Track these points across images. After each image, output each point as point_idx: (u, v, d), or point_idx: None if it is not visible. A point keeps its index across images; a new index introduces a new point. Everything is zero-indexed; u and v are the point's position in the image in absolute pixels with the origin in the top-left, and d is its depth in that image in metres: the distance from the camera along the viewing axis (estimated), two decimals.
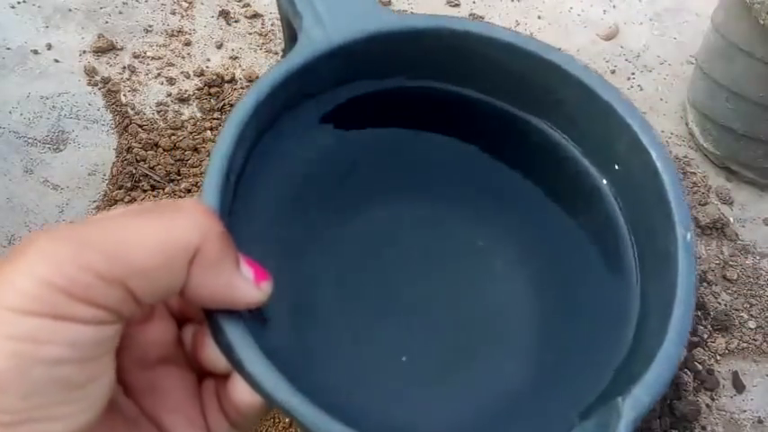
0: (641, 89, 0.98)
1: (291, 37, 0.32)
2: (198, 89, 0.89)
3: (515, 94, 0.33)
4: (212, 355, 0.25)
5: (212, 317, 0.24)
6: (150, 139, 0.83)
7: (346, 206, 0.33)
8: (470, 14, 1.03)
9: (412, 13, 1.04)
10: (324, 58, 0.28)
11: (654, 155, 0.29)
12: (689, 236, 0.28)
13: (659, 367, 0.24)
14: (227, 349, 0.23)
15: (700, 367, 0.72)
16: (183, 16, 0.98)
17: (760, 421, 0.70)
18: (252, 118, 0.26)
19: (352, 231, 0.33)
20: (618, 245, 0.31)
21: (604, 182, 0.32)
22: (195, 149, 0.83)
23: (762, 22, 0.75)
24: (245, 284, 0.23)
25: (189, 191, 0.79)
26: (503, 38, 0.30)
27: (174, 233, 0.21)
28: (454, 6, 1.05)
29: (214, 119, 0.87)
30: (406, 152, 0.34)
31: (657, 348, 0.25)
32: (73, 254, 0.20)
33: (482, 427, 0.29)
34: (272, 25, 0.99)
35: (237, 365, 0.23)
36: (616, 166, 0.31)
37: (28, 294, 0.19)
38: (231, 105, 0.88)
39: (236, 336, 0.23)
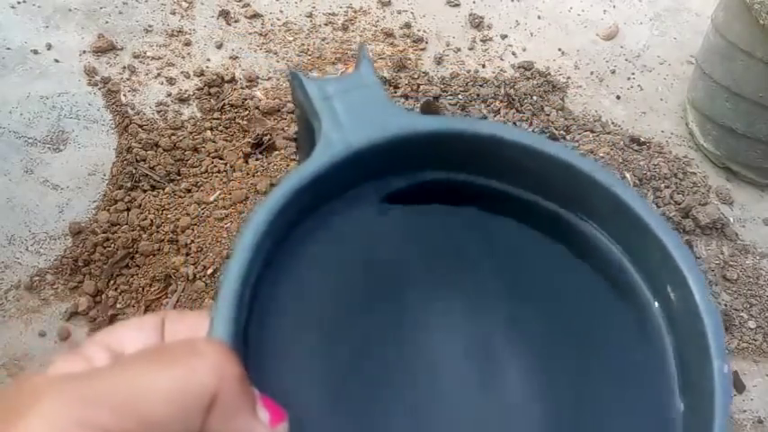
0: (641, 89, 0.98)
1: (305, 126, 0.32)
2: (198, 89, 0.89)
3: (546, 191, 0.32)
4: None
5: None
6: (150, 139, 0.83)
7: (373, 304, 0.33)
8: (470, 14, 1.03)
9: (411, 14, 1.05)
10: (343, 163, 0.28)
11: (693, 287, 0.28)
12: (725, 368, 0.27)
13: None
14: None
15: None
16: (182, 16, 0.98)
17: (760, 421, 0.70)
18: (270, 225, 0.25)
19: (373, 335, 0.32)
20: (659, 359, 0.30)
21: (656, 304, 0.31)
22: (195, 149, 0.83)
23: (762, 22, 0.75)
24: (262, 430, 0.22)
25: (189, 191, 0.79)
26: (526, 142, 0.30)
27: (190, 380, 0.20)
28: (454, 6, 1.05)
29: (214, 119, 0.87)
30: (435, 244, 0.34)
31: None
32: (77, 413, 0.18)
33: None
34: (271, 25, 0.99)
35: None
36: (669, 292, 0.30)
37: None
38: (231, 105, 0.88)
39: None
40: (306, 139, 0.33)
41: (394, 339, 0.33)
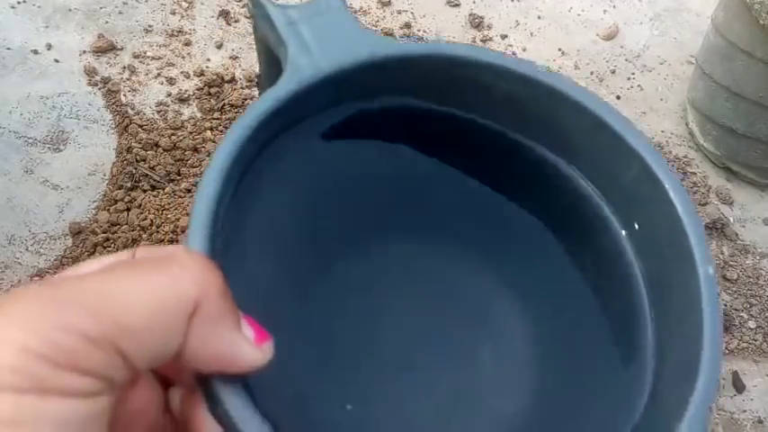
0: (641, 89, 0.98)
1: (269, 62, 0.31)
2: (198, 89, 0.89)
3: (521, 122, 0.31)
4: (207, 427, 0.22)
5: (209, 385, 0.21)
6: (150, 139, 0.83)
7: (343, 242, 0.32)
8: (470, 14, 1.03)
9: (411, 13, 1.04)
10: (313, 88, 0.27)
11: (668, 186, 0.26)
12: (710, 270, 0.26)
13: (704, 390, 0.23)
14: (225, 420, 0.21)
15: None
16: (182, 16, 0.98)
17: (760, 421, 0.70)
18: (239, 152, 0.24)
19: (344, 275, 0.31)
20: (628, 290, 0.30)
21: (623, 233, 0.30)
22: (195, 149, 0.83)
23: (762, 22, 0.75)
24: (248, 346, 0.21)
25: (189, 191, 0.79)
26: (501, 64, 0.29)
27: (171, 287, 0.19)
28: (454, 6, 1.05)
29: (214, 119, 0.87)
30: (407, 179, 0.33)
31: (689, 393, 0.23)
32: (54, 314, 0.17)
33: None
34: None
35: None
36: (635, 225, 0.29)
37: (5, 368, 0.16)
38: (231, 105, 0.88)
39: (236, 406, 0.21)
40: (270, 76, 0.32)
41: (361, 281, 0.32)
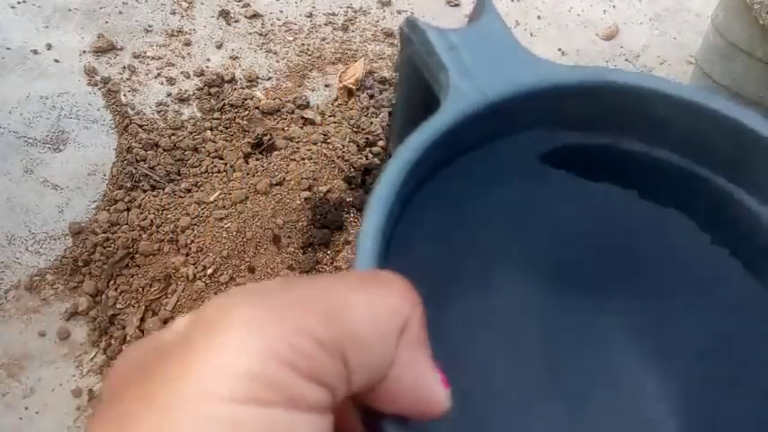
0: None
1: (413, 90, 0.29)
2: (198, 89, 0.89)
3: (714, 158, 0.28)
4: None
5: (381, 427, 0.19)
6: (150, 139, 0.83)
7: (495, 278, 0.30)
8: (470, 14, 1.03)
9: (412, 13, 1.05)
10: (478, 115, 0.25)
11: None
12: None
13: None
14: None
15: None
16: (182, 16, 0.98)
17: None
18: (406, 178, 0.23)
19: (500, 310, 0.29)
20: None
21: None
22: (195, 149, 0.83)
23: (761, 22, 0.75)
24: (439, 386, 0.19)
25: (189, 191, 0.79)
26: (687, 96, 0.26)
27: (387, 300, 0.18)
28: (454, 6, 1.05)
29: (214, 119, 0.87)
30: (572, 224, 0.30)
31: None
32: (287, 317, 0.15)
33: None
34: (271, 25, 0.99)
35: None
36: None
37: (247, 374, 0.14)
38: (231, 105, 0.88)
39: None
40: (411, 105, 0.31)
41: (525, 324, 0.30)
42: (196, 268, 0.71)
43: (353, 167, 0.81)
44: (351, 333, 0.16)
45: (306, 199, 0.77)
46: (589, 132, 0.29)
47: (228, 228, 0.74)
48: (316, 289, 0.17)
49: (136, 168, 0.80)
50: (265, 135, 0.84)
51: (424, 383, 0.18)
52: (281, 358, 0.15)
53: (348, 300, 0.17)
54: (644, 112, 0.27)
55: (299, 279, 0.17)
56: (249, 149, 0.83)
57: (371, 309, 0.17)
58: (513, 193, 0.29)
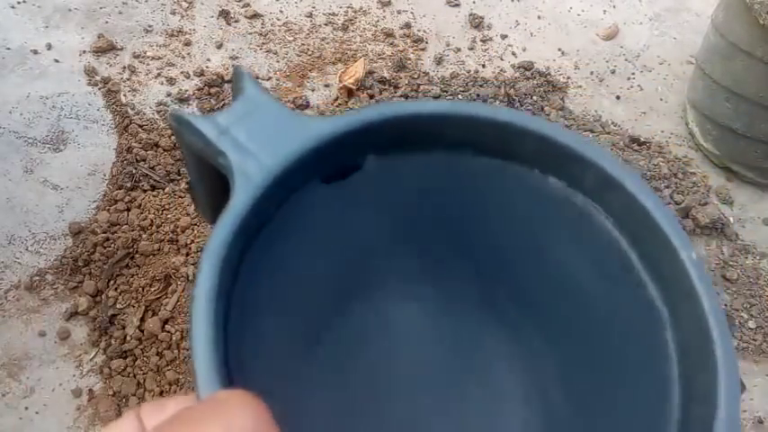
0: (641, 89, 0.98)
1: (200, 171, 0.31)
2: (198, 89, 0.89)
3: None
4: None
5: None
6: (150, 139, 0.83)
7: (348, 298, 0.33)
8: (470, 14, 1.03)
9: (411, 14, 1.04)
10: (269, 189, 0.27)
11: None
12: (694, 255, 0.26)
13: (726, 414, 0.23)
14: None
15: None
16: (182, 16, 0.98)
17: (760, 421, 0.70)
18: (219, 279, 0.25)
19: (355, 327, 0.32)
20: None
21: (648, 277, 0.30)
22: None
23: (762, 22, 0.75)
24: None
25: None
26: (494, 117, 0.29)
27: (232, 426, 0.19)
28: (454, 6, 1.05)
29: None
30: (402, 223, 0.33)
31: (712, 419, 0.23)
32: None
33: None
34: (271, 25, 0.99)
35: None
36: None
37: None
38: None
39: None
40: (204, 186, 0.32)
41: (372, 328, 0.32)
42: (196, 268, 0.71)
43: None
44: None
45: None
46: (381, 157, 0.31)
47: None
48: None
49: (136, 168, 0.80)
50: None
51: None
52: None
53: None
54: (415, 135, 0.30)
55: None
56: None
57: None
58: (329, 231, 0.31)
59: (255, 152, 0.27)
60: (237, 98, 0.29)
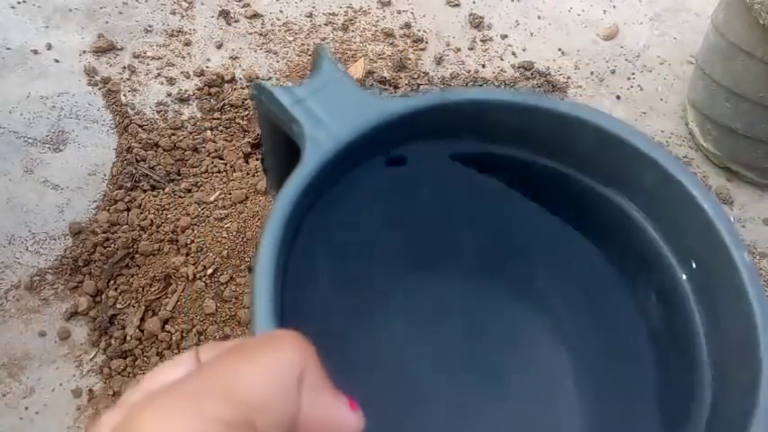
0: (641, 89, 0.98)
1: (275, 139, 0.33)
2: (198, 89, 0.89)
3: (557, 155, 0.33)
4: None
5: None
6: (150, 139, 0.83)
7: (396, 283, 0.34)
8: (470, 14, 1.03)
9: (412, 14, 1.04)
10: (337, 157, 0.29)
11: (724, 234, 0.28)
12: (746, 256, 0.28)
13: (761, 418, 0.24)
14: None
15: None
16: (182, 16, 0.98)
17: None
18: (283, 234, 0.26)
19: (398, 312, 0.33)
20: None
21: (683, 276, 0.31)
22: (195, 149, 0.83)
23: (762, 22, 0.75)
24: (347, 411, 0.22)
25: (189, 191, 0.79)
26: (520, 102, 0.31)
27: (281, 359, 0.20)
28: (454, 6, 1.05)
29: (214, 119, 0.87)
30: (437, 220, 0.35)
31: (752, 407, 0.24)
32: (193, 410, 0.18)
33: None
34: (271, 25, 0.99)
35: None
36: (693, 263, 0.30)
37: None
38: (231, 105, 0.88)
39: None
40: (280, 156, 0.34)
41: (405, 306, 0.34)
42: (196, 268, 0.71)
43: None
44: (252, 404, 0.19)
45: None
46: (442, 142, 0.33)
47: (229, 228, 0.74)
48: (214, 371, 0.19)
49: (136, 168, 0.80)
50: None
51: (332, 416, 0.21)
52: None
53: (245, 373, 0.19)
54: (482, 119, 0.31)
55: (204, 366, 0.20)
56: (249, 149, 0.83)
57: (267, 374, 0.20)
58: (386, 204, 0.33)
59: (327, 122, 0.29)
60: (314, 73, 0.31)
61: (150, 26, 0.95)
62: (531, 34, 1.02)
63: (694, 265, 0.30)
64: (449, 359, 0.33)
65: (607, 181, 0.32)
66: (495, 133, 0.32)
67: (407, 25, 1.02)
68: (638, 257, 0.31)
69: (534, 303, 0.34)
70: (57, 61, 0.90)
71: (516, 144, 0.32)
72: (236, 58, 0.94)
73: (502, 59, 0.99)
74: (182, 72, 0.91)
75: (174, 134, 0.84)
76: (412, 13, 1.04)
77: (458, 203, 0.34)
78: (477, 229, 0.34)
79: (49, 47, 0.91)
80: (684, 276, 0.30)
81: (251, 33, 0.97)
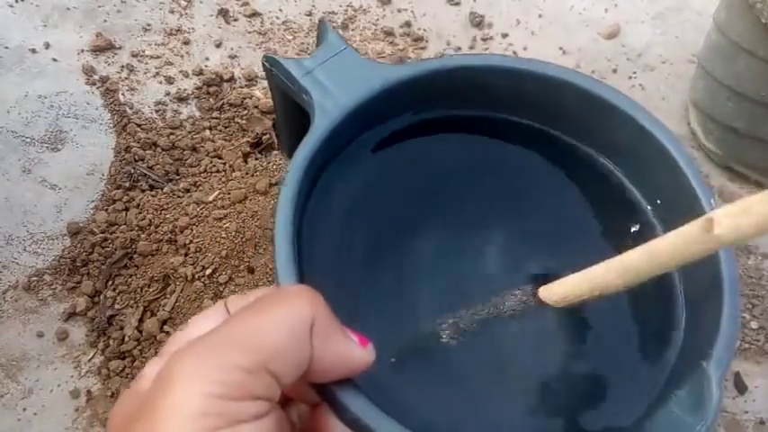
0: (643, 88, 0.97)
1: (287, 108, 0.35)
2: (197, 88, 0.89)
3: (543, 116, 0.36)
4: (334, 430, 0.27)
5: (333, 395, 0.25)
6: (149, 139, 0.82)
7: (400, 235, 0.36)
8: (471, 13, 1.03)
9: (412, 12, 1.04)
10: (343, 124, 0.31)
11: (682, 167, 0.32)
12: (713, 202, 0.33)
13: (727, 327, 0.27)
14: (355, 424, 0.25)
15: None
16: (181, 15, 0.97)
17: (762, 422, 0.70)
18: (299, 193, 0.29)
19: (403, 263, 0.36)
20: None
21: (656, 222, 0.36)
22: (194, 149, 0.83)
23: (763, 21, 0.74)
24: (357, 348, 0.25)
25: (187, 190, 0.79)
26: (510, 66, 0.33)
27: (293, 311, 0.23)
28: (455, 5, 1.05)
29: (213, 118, 0.86)
30: (441, 177, 0.37)
31: (718, 316, 0.28)
32: (216, 360, 0.21)
33: (574, 405, 0.31)
34: (270, 24, 0.99)
35: None
36: (657, 200, 0.34)
37: (197, 414, 0.20)
38: (230, 104, 0.87)
39: (364, 409, 0.25)
40: (289, 122, 0.37)
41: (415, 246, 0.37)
42: (195, 268, 0.71)
43: None
44: (269, 351, 0.22)
45: None
46: (444, 109, 0.36)
47: (227, 228, 0.74)
48: (235, 326, 0.22)
49: (134, 168, 0.79)
50: (265, 134, 0.83)
51: (343, 353, 0.25)
52: (217, 394, 0.20)
53: (261, 324, 0.22)
54: (480, 85, 0.34)
55: (224, 323, 0.23)
56: (248, 149, 0.83)
57: (279, 325, 0.23)
58: (394, 165, 0.36)
59: (334, 91, 0.31)
60: (320, 45, 0.34)
61: (149, 25, 0.95)
62: (533, 33, 1.01)
63: (665, 213, 0.34)
64: (449, 292, 0.35)
65: (589, 140, 0.36)
66: (488, 97, 0.35)
67: (407, 24, 1.01)
68: (616, 206, 0.35)
69: (525, 245, 0.37)
70: (55, 60, 0.90)
71: (509, 108, 0.36)
72: (236, 56, 0.93)
73: None
74: (180, 71, 0.91)
75: (172, 133, 0.83)
76: (412, 11, 1.03)
77: (459, 165, 0.37)
78: (478, 188, 0.37)
79: (47, 46, 0.91)
80: (656, 221, 0.35)
81: (250, 32, 0.97)
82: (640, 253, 0.27)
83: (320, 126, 0.31)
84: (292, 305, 0.23)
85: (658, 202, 0.35)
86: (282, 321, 0.23)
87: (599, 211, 0.36)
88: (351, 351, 0.25)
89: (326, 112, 0.31)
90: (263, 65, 0.34)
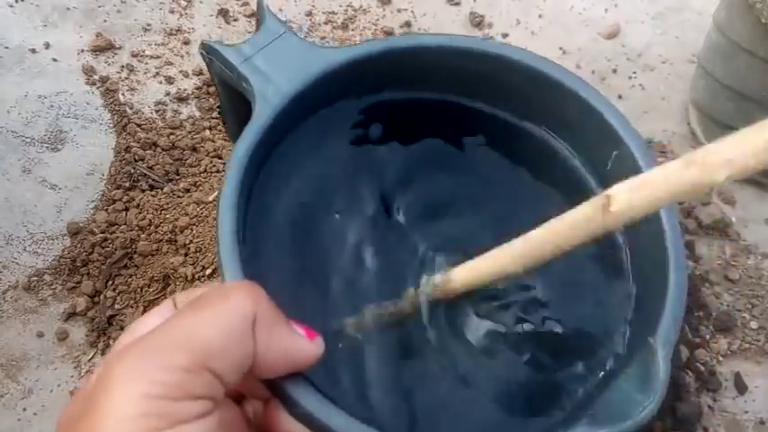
0: (643, 88, 0.97)
1: (229, 96, 0.34)
2: (197, 88, 0.89)
3: (476, 92, 0.36)
4: (287, 427, 0.27)
5: (282, 391, 0.25)
6: (149, 139, 0.82)
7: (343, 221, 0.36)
8: (471, 13, 1.03)
9: (412, 12, 1.04)
10: (284, 111, 0.31)
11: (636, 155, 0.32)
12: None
13: (672, 304, 0.28)
14: (307, 419, 0.25)
15: (702, 368, 0.71)
16: (181, 15, 0.97)
17: (762, 422, 0.70)
18: (242, 186, 0.28)
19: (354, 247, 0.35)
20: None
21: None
22: (194, 149, 0.83)
23: (764, 21, 0.74)
24: (303, 341, 0.25)
25: (188, 190, 0.79)
26: (455, 45, 0.33)
27: (232, 308, 0.23)
28: (455, 5, 1.05)
29: (213, 118, 0.86)
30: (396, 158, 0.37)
31: (664, 294, 0.28)
32: (155, 360, 0.20)
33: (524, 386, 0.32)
34: None
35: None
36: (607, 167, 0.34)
37: (136, 415, 0.19)
38: None
39: (314, 403, 0.25)
40: (232, 109, 0.36)
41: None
42: (195, 268, 0.71)
43: None
44: (208, 350, 0.21)
45: None
46: (388, 91, 0.35)
47: None
48: (175, 325, 0.22)
49: (134, 168, 0.79)
50: None
51: (288, 347, 0.24)
52: (157, 394, 0.19)
53: (200, 322, 0.22)
54: (427, 66, 0.34)
55: (163, 324, 0.22)
56: None
57: (219, 323, 0.22)
58: (338, 150, 0.36)
59: (273, 78, 0.30)
60: (259, 30, 0.32)
61: (149, 25, 0.95)
62: (533, 33, 1.01)
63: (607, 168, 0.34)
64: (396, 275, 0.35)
65: (533, 116, 0.35)
66: (433, 77, 0.34)
67: (408, 24, 1.01)
68: (564, 183, 0.36)
69: (472, 228, 0.37)
70: (55, 60, 0.90)
71: (452, 88, 0.35)
72: None
73: None
74: (180, 71, 0.91)
75: (172, 133, 0.83)
76: (412, 11, 1.03)
77: (406, 151, 0.37)
78: (426, 174, 0.37)
79: (47, 46, 0.91)
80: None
81: (250, 32, 0.97)
82: (541, 232, 0.27)
83: (262, 115, 0.30)
84: (232, 301, 0.23)
85: (606, 178, 0.35)
86: (222, 318, 0.22)
87: (548, 191, 0.37)
88: (297, 345, 0.24)
89: (267, 100, 0.30)
90: (201, 53, 0.34)
